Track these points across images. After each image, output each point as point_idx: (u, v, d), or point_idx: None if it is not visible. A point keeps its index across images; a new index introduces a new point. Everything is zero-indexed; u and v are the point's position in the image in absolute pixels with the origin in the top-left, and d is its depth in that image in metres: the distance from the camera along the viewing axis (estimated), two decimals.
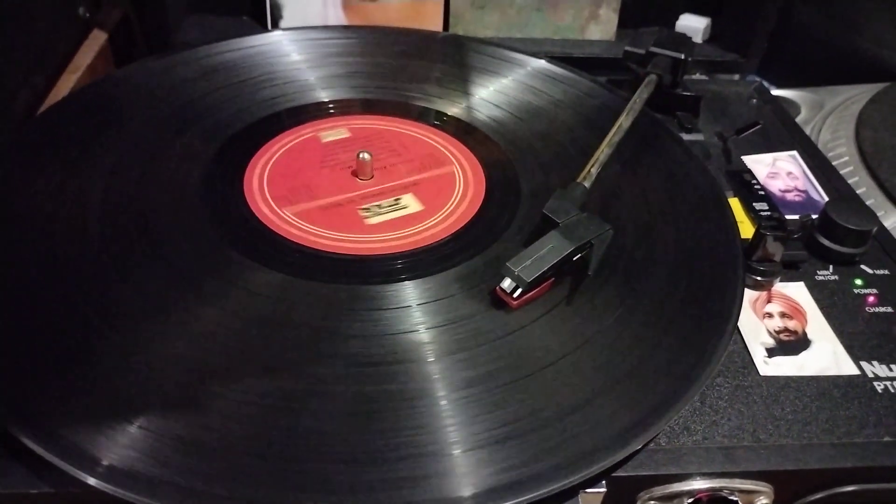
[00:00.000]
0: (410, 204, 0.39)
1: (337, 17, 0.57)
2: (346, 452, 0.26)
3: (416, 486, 0.25)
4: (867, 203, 0.50)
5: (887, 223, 0.49)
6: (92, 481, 0.25)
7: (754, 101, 0.56)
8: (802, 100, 0.69)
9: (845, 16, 0.77)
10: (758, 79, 0.81)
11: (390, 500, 0.25)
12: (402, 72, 0.49)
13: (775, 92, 0.69)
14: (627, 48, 0.48)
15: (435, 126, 0.45)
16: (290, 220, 0.36)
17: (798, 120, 0.65)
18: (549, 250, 0.32)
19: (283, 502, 0.25)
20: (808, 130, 0.63)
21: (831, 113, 0.65)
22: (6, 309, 0.30)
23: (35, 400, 0.27)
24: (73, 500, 0.27)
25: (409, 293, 0.33)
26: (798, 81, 0.75)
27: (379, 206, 0.38)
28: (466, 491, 0.25)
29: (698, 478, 0.30)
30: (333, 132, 0.43)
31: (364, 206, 0.38)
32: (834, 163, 0.56)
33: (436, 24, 0.58)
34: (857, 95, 0.66)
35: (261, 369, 0.29)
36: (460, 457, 0.26)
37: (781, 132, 0.52)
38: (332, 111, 0.45)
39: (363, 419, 0.27)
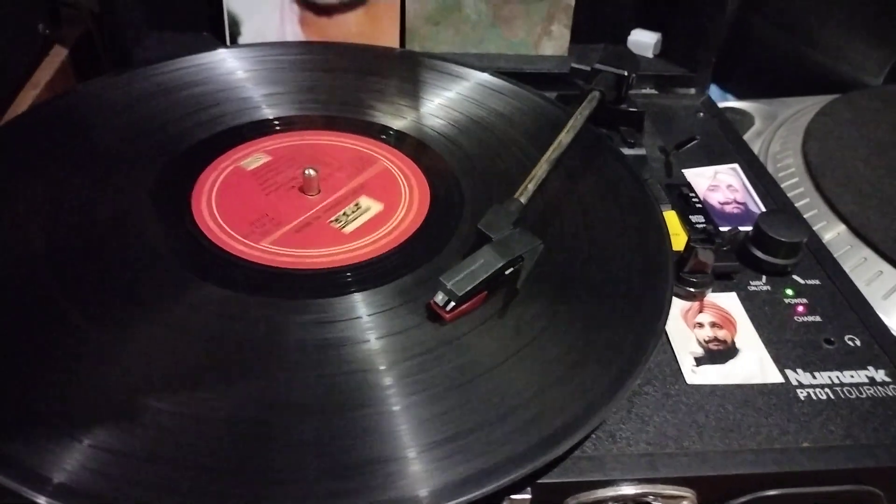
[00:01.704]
0: (371, 205, 0.41)
1: (294, 32, 0.58)
2: (301, 461, 0.27)
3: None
4: (810, 214, 0.52)
5: (828, 234, 0.51)
6: (42, 500, 0.25)
7: (701, 114, 0.57)
8: (757, 111, 0.71)
9: (802, 29, 0.79)
10: (717, 93, 0.83)
11: None
12: (351, 88, 0.50)
13: (734, 104, 0.71)
14: (573, 65, 0.50)
15: (382, 140, 0.46)
16: (266, 249, 0.37)
17: (752, 131, 0.67)
18: (480, 265, 0.33)
19: None
20: (760, 141, 0.64)
21: (782, 124, 0.67)
22: None
23: None
24: None
25: (359, 306, 0.34)
26: (757, 93, 0.77)
27: (345, 213, 0.40)
28: (421, 491, 0.26)
29: (622, 484, 0.31)
30: (252, 158, 0.43)
31: (333, 218, 0.39)
32: (781, 174, 0.58)
33: (392, 39, 0.59)
34: (808, 107, 0.68)
35: (213, 384, 0.30)
36: (411, 461, 0.27)
37: (725, 145, 0.54)
38: (278, 129, 0.46)
39: (316, 427, 0.28)
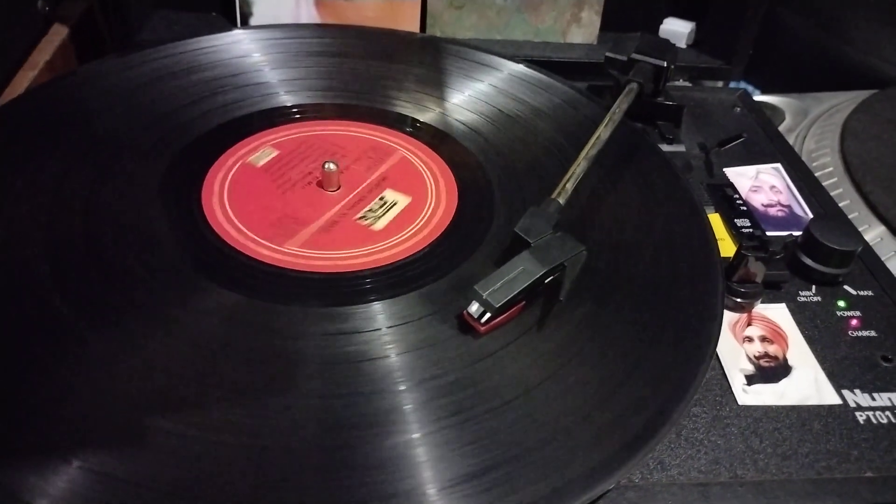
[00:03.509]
0: (398, 199, 0.38)
1: (309, 14, 0.54)
2: (311, 492, 0.24)
3: None
4: (851, 216, 0.49)
5: (869, 236, 0.48)
6: None
7: (738, 109, 0.54)
8: (787, 106, 0.68)
9: (833, 22, 0.76)
10: (742, 86, 0.80)
11: None
12: (373, 75, 0.47)
13: (761, 98, 0.67)
14: (609, 54, 0.47)
15: (406, 133, 0.43)
16: (277, 249, 0.34)
17: (782, 127, 0.64)
18: (519, 273, 0.30)
19: None
20: (792, 138, 0.61)
21: (816, 121, 0.64)
22: None
23: None
24: None
25: (380, 316, 0.31)
26: (784, 87, 0.74)
27: (371, 210, 0.37)
28: None
29: None
30: (261, 153, 0.40)
31: (359, 216, 0.37)
32: (818, 173, 0.55)
33: (413, 24, 0.56)
34: (842, 103, 0.65)
35: (217, 401, 0.27)
36: (429, 499, 0.25)
37: (765, 143, 0.51)
38: (293, 117, 0.43)
39: (329, 454, 0.26)
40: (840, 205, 0.50)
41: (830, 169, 0.55)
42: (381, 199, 0.38)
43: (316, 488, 0.25)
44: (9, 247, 0.32)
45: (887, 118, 0.60)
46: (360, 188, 0.39)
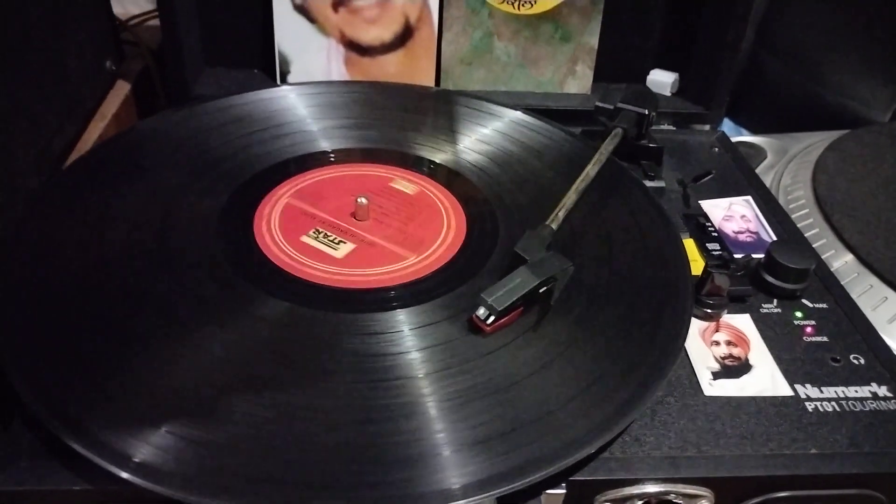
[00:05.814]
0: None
1: (339, 71, 0.63)
2: (350, 454, 0.31)
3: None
4: (819, 243, 0.56)
5: (837, 263, 0.54)
6: (124, 475, 0.29)
7: (716, 149, 0.61)
8: (769, 146, 0.75)
9: (812, 67, 0.83)
10: (732, 128, 0.87)
11: (388, 494, 0.30)
12: (396, 123, 0.55)
13: (748, 138, 0.75)
14: (598, 104, 0.54)
15: (423, 173, 0.50)
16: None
17: (765, 164, 0.71)
18: (517, 283, 0.37)
19: (291, 497, 0.29)
20: (772, 174, 0.68)
21: (793, 158, 0.71)
22: (55, 331, 0.35)
23: (78, 407, 0.32)
24: (106, 497, 0.32)
25: (402, 320, 0.38)
26: (769, 127, 0.81)
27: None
28: (452, 483, 0.30)
29: (647, 483, 0.34)
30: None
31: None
32: (792, 205, 0.61)
33: (428, 79, 0.64)
34: (818, 142, 0.72)
35: (272, 384, 0.34)
36: (444, 458, 0.31)
37: (739, 178, 0.58)
38: (332, 160, 0.50)
39: (363, 426, 0.32)
40: (810, 233, 0.57)
41: (803, 201, 0.61)
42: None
43: (355, 444, 0.31)
44: (100, 269, 0.40)
45: (855, 155, 0.67)
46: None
